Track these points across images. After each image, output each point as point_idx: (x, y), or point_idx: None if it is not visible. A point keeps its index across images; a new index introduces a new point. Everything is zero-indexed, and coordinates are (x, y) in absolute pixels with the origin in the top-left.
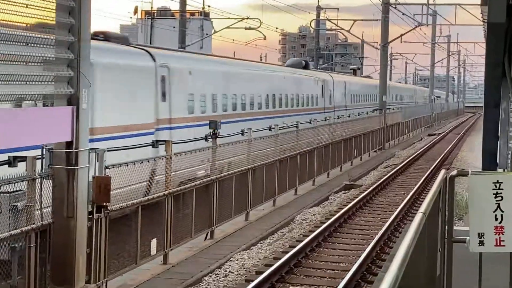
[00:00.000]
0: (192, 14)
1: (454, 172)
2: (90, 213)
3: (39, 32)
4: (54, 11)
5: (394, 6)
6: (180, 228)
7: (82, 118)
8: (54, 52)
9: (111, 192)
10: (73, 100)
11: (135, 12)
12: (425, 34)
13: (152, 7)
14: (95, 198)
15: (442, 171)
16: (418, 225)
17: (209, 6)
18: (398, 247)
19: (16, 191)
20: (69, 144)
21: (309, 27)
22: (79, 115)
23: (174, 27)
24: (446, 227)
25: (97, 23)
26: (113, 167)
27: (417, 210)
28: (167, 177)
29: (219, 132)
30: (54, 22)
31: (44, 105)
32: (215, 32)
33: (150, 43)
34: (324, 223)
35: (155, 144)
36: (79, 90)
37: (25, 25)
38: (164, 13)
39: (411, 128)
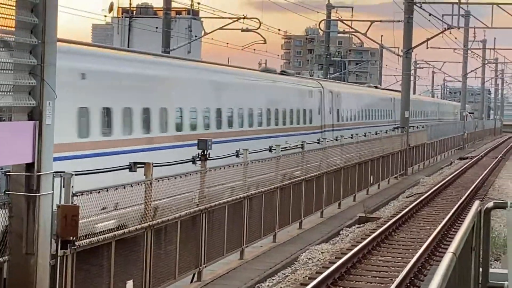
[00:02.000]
0: (179, 12)
1: (490, 204)
2: (54, 249)
3: None
4: (14, 7)
5: (419, 5)
6: (162, 268)
7: (46, 135)
8: (13, 56)
9: (79, 224)
10: (35, 114)
11: (111, 9)
12: (455, 38)
13: (130, 4)
14: (60, 231)
15: (476, 203)
16: (447, 268)
17: (198, 3)
18: None
19: None
20: (29, 166)
21: (318, 29)
22: (42, 131)
23: (157, 27)
24: (481, 269)
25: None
26: (82, 195)
27: (446, 249)
28: (147, 206)
29: (209, 154)
30: (14, 21)
31: (0, 119)
32: (205, 34)
33: (128, 47)
34: (334, 263)
35: (132, 167)
36: (42, 102)
37: None
38: (145, 11)
39: (439, 150)
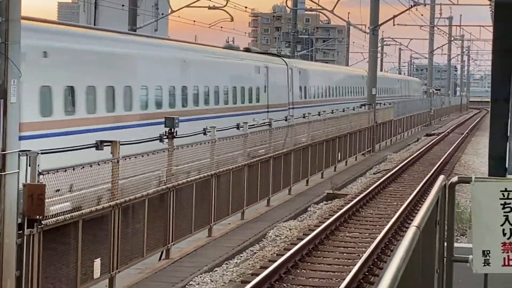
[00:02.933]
0: None
1: (454, 179)
2: (20, 227)
3: None
4: None
5: None
6: (129, 246)
7: (11, 113)
8: None
9: (45, 202)
10: None
11: None
12: (422, 15)
13: None
14: (26, 210)
15: (441, 177)
16: (410, 241)
17: None
18: (387, 268)
19: None
20: None
21: (285, 7)
22: (7, 109)
23: (123, 5)
24: (445, 244)
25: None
26: (48, 173)
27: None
28: (114, 185)
29: (176, 132)
30: None
31: None
32: (172, 12)
33: (94, 24)
34: (302, 239)
35: (99, 145)
36: (7, 80)
37: None
38: None
39: (406, 127)
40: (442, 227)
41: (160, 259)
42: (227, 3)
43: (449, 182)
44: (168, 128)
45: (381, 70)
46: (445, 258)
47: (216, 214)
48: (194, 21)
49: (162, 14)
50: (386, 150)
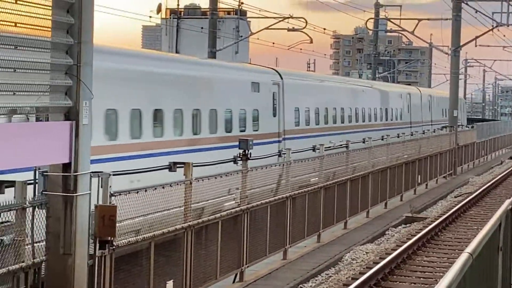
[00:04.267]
0: (228, 12)
1: None
2: (92, 249)
3: (31, 33)
4: (50, 7)
5: (466, 2)
6: (203, 269)
7: (83, 135)
8: (49, 56)
9: (117, 225)
10: (71, 114)
11: (159, 10)
12: (504, 36)
13: (178, 5)
14: (98, 232)
15: (506, 202)
16: (461, 268)
17: (241, 3)
18: None
19: (2, 222)
20: (66, 167)
21: (367, 28)
22: (79, 131)
23: (202, 27)
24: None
25: (115, 24)
26: (119, 195)
27: None
28: (187, 206)
29: (250, 153)
30: (50, 21)
31: (37, 119)
32: (251, 33)
33: (176, 48)
34: (378, 263)
35: (172, 167)
36: (79, 102)
37: (13, 24)
38: (193, 12)
39: (489, 149)
40: (505, 254)
41: (234, 282)
42: (306, 25)
43: None
44: (242, 150)
45: (465, 92)
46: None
47: (292, 236)
48: (273, 43)
49: (241, 36)
50: (468, 173)
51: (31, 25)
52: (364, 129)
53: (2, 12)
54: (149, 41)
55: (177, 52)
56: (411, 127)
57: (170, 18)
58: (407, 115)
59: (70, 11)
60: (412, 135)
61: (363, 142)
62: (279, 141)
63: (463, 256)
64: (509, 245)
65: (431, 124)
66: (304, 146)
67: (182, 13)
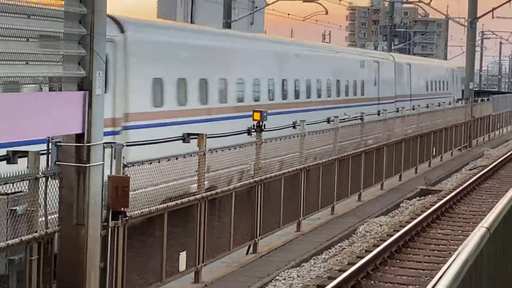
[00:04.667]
0: None
1: None
2: (105, 220)
3: (44, 3)
4: None
5: None
6: (216, 240)
7: (96, 105)
8: (62, 26)
9: (130, 195)
10: (85, 84)
11: None
12: None
13: None
14: (111, 202)
15: None
16: (478, 243)
17: None
18: (445, 271)
19: (15, 192)
20: (80, 137)
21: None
22: (92, 102)
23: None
24: None
25: None
26: (133, 165)
27: None
28: (200, 178)
29: (264, 125)
30: None
31: (50, 89)
32: (267, 5)
33: (191, 20)
34: (392, 235)
35: (186, 138)
36: (92, 72)
37: None
38: None
39: (505, 122)
40: None
41: (247, 253)
42: None
43: None
44: (256, 122)
45: (481, 65)
46: None
47: (306, 208)
48: (289, 14)
49: (256, 7)
50: (483, 146)
51: None
52: (296, 108)
53: None
54: (165, 11)
55: (192, 22)
56: (378, 103)
57: None
58: (373, 89)
59: None
60: (378, 114)
61: (378, 114)
62: (113, 133)
63: (481, 231)
64: None
65: (410, 100)
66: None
67: None
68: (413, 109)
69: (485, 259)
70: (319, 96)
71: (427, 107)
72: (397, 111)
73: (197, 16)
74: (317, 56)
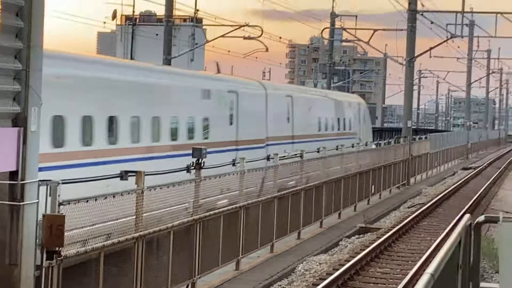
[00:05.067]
0: (184, 20)
1: (481, 218)
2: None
3: None
4: None
5: (421, 13)
6: (154, 280)
7: (31, 142)
8: None
9: (65, 234)
10: (19, 120)
11: (114, 17)
12: (458, 47)
13: (134, 12)
14: (45, 242)
15: (466, 217)
16: None
17: (197, 10)
18: None
19: None
20: (13, 175)
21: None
22: (26, 138)
23: (157, 34)
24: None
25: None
26: (69, 203)
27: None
28: (138, 216)
29: (203, 162)
30: None
31: None
32: (207, 41)
33: (131, 54)
34: (331, 274)
35: (124, 175)
36: (27, 108)
37: None
38: (148, 18)
39: (442, 160)
40: (466, 270)
41: None
42: (262, 33)
43: (474, 222)
44: (196, 159)
45: (418, 103)
46: None
47: (245, 246)
48: (229, 51)
49: (197, 43)
50: (421, 184)
51: None
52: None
53: None
54: (105, 47)
55: (131, 58)
56: (237, 149)
57: (126, 24)
58: (227, 130)
59: (19, 14)
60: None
61: (318, 152)
62: None
63: (425, 277)
64: (467, 263)
65: (292, 142)
66: None
67: (137, 19)
68: (352, 146)
69: None
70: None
71: (318, 152)
72: (268, 159)
73: (137, 52)
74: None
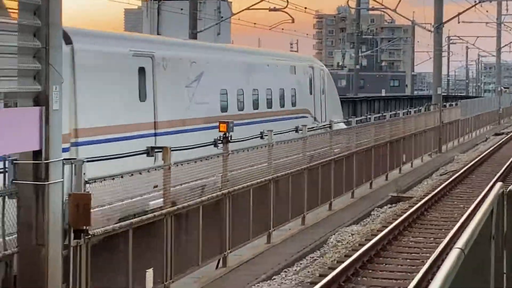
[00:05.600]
0: None
1: None
2: (66, 239)
3: None
4: None
5: None
6: (184, 255)
7: (53, 121)
8: (16, 39)
9: (92, 212)
10: (41, 99)
11: None
12: (487, 12)
13: None
14: (72, 221)
15: (497, 185)
16: (453, 266)
17: None
18: None
19: None
20: (37, 154)
21: (348, 7)
22: (49, 117)
23: (182, 9)
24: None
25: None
26: (95, 182)
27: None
28: (166, 192)
29: (231, 136)
30: (16, 2)
31: (5, 105)
32: (232, 14)
33: (158, 30)
34: (364, 245)
35: (150, 151)
36: (48, 86)
37: None
38: None
39: (474, 126)
40: (500, 241)
41: (217, 267)
42: (287, 5)
43: (507, 190)
44: (223, 133)
45: (448, 70)
46: (504, 275)
47: (275, 219)
48: (255, 23)
49: (222, 17)
50: (453, 151)
51: None
52: None
53: None
54: (131, 24)
55: (158, 34)
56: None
57: (151, 0)
58: None
59: None
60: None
61: (346, 122)
62: None
63: (454, 253)
64: (501, 233)
65: (155, 135)
66: None
67: None
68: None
69: (460, 282)
70: None
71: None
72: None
73: (162, 27)
74: None
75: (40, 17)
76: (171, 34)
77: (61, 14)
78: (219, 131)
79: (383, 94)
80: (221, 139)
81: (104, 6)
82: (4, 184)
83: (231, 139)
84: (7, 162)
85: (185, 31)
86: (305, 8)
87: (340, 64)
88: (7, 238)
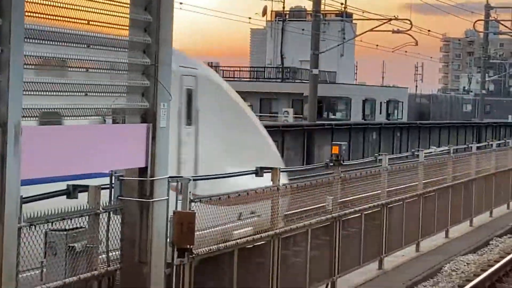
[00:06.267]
0: (336, 14)
1: None
2: (170, 257)
3: (106, 32)
4: (127, 5)
5: None
6: (290, 278)
7: (160, 138)
8: (126, 56)
9: (196, 233)
10: (148, 116)
11: (264, 13)
12: None
13: (284, 7)
14: (176, 239)
15: None
16: None
17: (345, 7)
18: None
19: (74, 228)
20: (143, 171)
21: (475, 30)
22: (156, 134)
23: (303, 29)
24: None
25: (221, 27)
26: (200, 201)
27: None
28: (273, 213)
29: (343, 158)
30: (127, 19)
31: (113, 121)
32: (356, 36)
33: (281, 50)
34: (479, 275)
35: (259, 171)
36: (156, 103)
37: (86, 22)
38: (298, 14)
39: None
40: None
41: None
42: (411, 27)
43: None
44: (335, 155)
45: None
46: None
47: (388, 245)
48: (377, 45)
49: (344, 38)
50: None
51: (106, 23)
52: None
53: (75, 9)
54: (256, 43)
55: (281, 54)
56: None
57: (276, 20)
58: None
59: (148, 9)
60: None
61: (465, 148)
62: None
63: None
64: None
65: None
66: None
67: (287, 15)
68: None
69: None
70: None
71: None
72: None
73: (286, 48)
74: None
75: (150, 34)
76: (293, 55)
77: (172, 31)
78: (331, 153)
79: (510, 120)
80: (333, 161)
81: (226, 25)
82: (110, 200)
83: (343, 162)
84: (113, 178)
85: (305, 51)
86: (429, 30)
87: (466, 88)
88: (109, 254)
